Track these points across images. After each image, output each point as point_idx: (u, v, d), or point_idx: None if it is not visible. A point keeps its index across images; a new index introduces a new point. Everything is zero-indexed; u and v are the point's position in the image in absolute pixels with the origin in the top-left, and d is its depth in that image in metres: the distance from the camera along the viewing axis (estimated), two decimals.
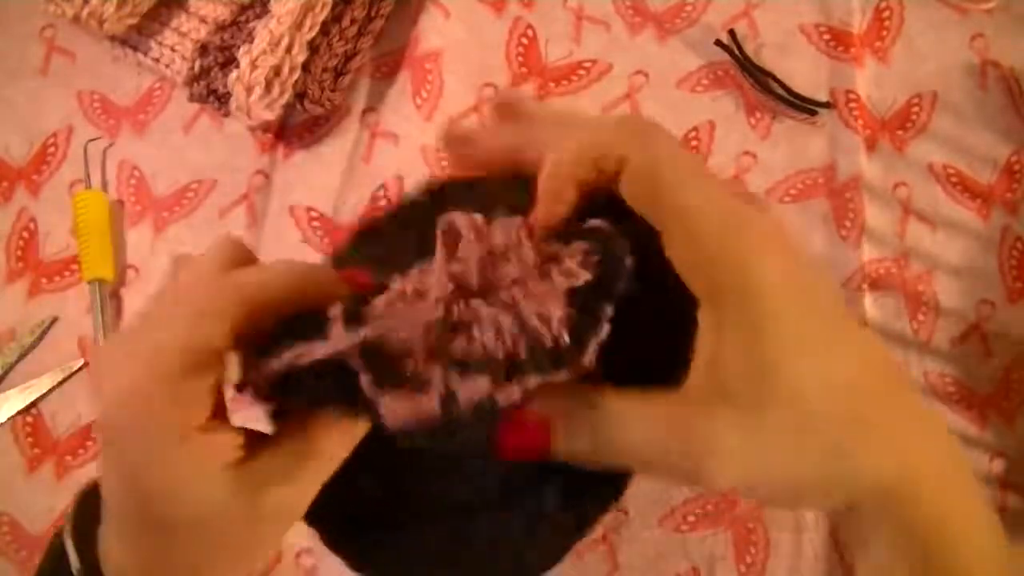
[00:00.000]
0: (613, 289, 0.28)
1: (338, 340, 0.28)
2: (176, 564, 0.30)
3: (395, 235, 0.35)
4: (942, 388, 0.60)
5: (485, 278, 0.28)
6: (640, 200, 0.29)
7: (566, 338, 0.27)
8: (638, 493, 0.59)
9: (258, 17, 0.66)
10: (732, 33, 0.68)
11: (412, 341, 0.28)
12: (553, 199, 0.30)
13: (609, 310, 0.28)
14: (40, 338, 0.65)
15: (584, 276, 0.28)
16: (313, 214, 0.67)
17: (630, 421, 0.28)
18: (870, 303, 0.62)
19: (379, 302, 0.29)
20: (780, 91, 0.66)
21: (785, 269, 0.27)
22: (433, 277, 0.29)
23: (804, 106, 0.66)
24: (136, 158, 0.70)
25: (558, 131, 0.32)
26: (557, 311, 0.28)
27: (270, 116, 0.65)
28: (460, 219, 0.29)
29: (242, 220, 0.67)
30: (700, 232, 0.27)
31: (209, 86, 0.65)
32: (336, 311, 0.29)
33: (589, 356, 0.28)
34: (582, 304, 0.28)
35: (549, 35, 0.70)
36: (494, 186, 0.34)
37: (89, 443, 0.63)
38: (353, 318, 0.28)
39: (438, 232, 0.29)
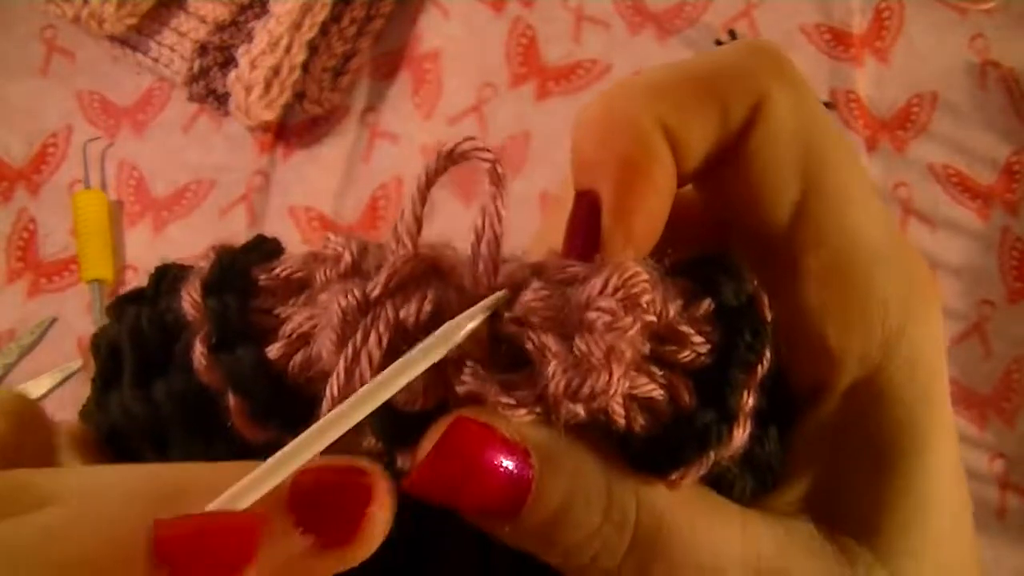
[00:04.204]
0: (751, 372, 0.19)
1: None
2: None
3: None
4: None
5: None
6: (779, 170, 0.19)
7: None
8: None
9: (257, 17, 0.66)
10: (732, 33, 0.68)
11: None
12: (635, 173, 0.18)
13: (749, 405, 0.19)
14: (40, 338, 0.65)
15: (700, 348, 0.19)
16: (313, 214, 0.67)
17: (683, 522, 0.19)
18: None
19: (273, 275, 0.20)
20: None
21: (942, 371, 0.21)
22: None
23: None
24: (135, 158, 0.70)
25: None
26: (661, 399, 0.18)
27: (269, 116, 0.65)
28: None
29: (241, 220, 0.67)
30: (856, 252, 0.19)
31: (208, 86, 0.65)
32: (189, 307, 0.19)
33: (691, 476, 0.19)
34: (706, 394, 0.19)
35: (549, 35, 0.70)
36: None
37: None
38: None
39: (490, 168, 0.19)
